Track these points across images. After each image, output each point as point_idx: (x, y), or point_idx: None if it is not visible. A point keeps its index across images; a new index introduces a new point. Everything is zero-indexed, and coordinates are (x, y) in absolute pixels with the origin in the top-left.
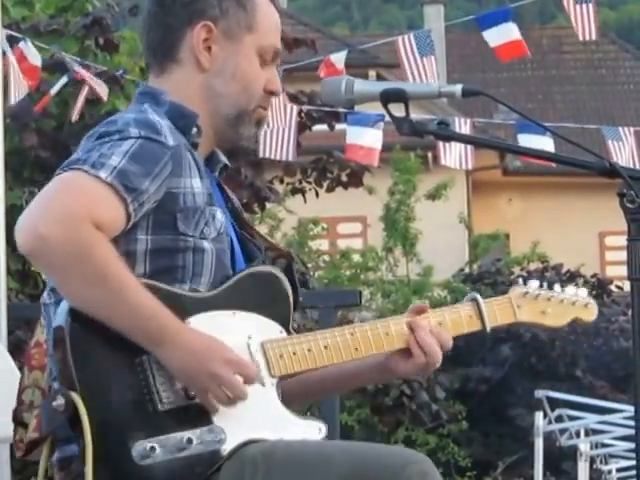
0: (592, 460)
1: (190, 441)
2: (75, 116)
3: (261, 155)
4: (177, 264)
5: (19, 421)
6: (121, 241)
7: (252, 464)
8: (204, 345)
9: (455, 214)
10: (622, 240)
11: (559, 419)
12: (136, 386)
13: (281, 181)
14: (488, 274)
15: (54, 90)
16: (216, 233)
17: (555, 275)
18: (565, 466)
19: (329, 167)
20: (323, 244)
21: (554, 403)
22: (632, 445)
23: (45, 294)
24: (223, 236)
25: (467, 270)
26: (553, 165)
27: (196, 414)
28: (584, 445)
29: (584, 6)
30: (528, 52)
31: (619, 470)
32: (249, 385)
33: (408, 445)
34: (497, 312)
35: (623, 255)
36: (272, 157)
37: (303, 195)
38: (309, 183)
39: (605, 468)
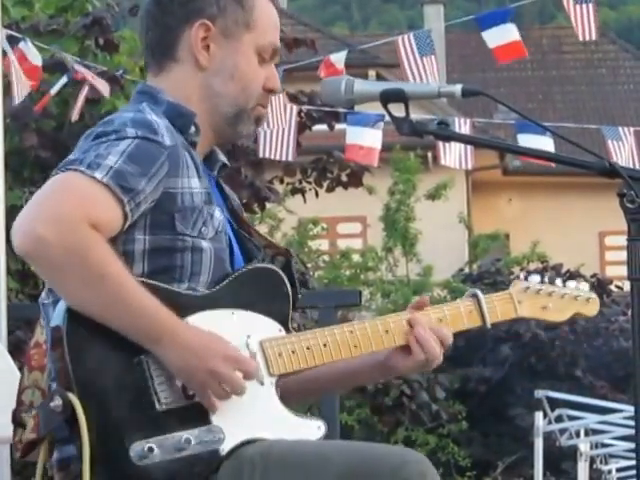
0: (592, 460)
1: (188, 441)
2: (75, 116)
3: (261, 155)
4: (175, 264)
5: (19, 422)
6: (119, 241)
7: (250, 464)
8: (203, 342)
9: (455, 214)
10: (622, 240)
11: (559, 419)
12: (134, 386)
13: (281, 181)
14: (488, 274)
15: (54, 90)
16: (214, 232)
17: (555, 275)
18: (565, 466)
19: (329, 167)
20: (323, 244)
21: (554, 403)
22: (632, 445)
23: (43, 294)
24: (221, 235)
25: (467, 270)
26: (553, 165)
27: (195, 414)
28: (584, 445)
29: (584, 6)
30: (527, 54)
31: (619, 470)
32: (249, 381)
33: (408, 445)
34: (498, 308)
35: (623, 255)
36: (272, 157)
37: (303, 195)
38: (309, 183)
39: (605, 468)
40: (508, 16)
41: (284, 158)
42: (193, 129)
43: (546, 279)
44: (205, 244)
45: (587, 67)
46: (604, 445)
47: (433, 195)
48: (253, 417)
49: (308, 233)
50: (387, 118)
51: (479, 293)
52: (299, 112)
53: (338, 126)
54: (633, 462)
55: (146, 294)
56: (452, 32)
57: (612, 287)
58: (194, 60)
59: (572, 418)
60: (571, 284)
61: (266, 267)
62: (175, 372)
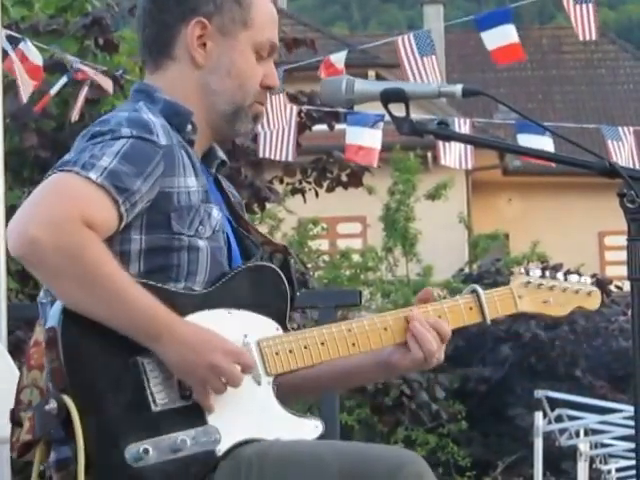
0: (592, 460)
1: (184, 442)
2: (75, 116)
3: (261, 155)
4: (172, 263)
5: (17, 421)
6: (115, 241)
7: (247, 464)
8: (202, 337)
9: (455, 214)
10: (622, 240)
11: (559, 419)
12: (130, 387)
13: (281, 181)
14: (488, 274)
15: (54, 90)
16: (211, 231)
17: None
18: (565, 466)
19: (329, 167)
20: (323, 244)
21: (554, 403)
22: (632, 445)
23: (42, 293)
24: (219, 234)
25: (467, 270)
26: (553, 165)
27: (191, 415)
28: (584, 445)
29: (584, 6)
30: (525, 58)
31: (619, 470)
32: (247, 374)
33: (408, 445)
34: (498, 303)
35: (623, 255)
36: (272, 157)
37: (303, 195)
38: (309, 183)
39: (605, 468)
40: (508, 17)
41: (284, 158)
42: (190, 127)
43: (547, 273)
44: (202, 243)
45: (587, 67)
46: (604, 445)
47: (433, 195)
48: (250, 417)
49: (308, 233)
50: (387, 118)
51: (479, 289)
52: (299, 112)
53: (338, 126)
54: (633, 462)
55: (143, 292)
56: (452, 32)
57: (612, 287)
58: (190, 58)
59: (572, 418)
60: (573, 277)
61: (263, 265)
62: (174, 368)
